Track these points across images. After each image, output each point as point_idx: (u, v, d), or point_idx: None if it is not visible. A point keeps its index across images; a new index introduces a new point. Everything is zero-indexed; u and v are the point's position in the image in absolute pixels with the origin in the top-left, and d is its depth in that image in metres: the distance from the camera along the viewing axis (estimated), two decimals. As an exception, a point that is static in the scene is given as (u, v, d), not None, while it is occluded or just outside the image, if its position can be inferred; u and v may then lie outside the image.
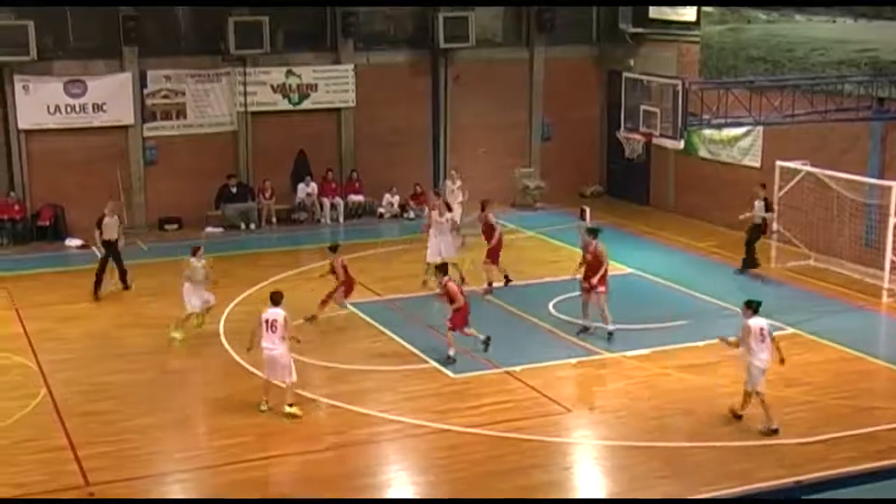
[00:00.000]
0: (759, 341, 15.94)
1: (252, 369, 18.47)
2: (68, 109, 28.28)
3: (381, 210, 30.57)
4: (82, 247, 22.05)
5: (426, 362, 19.11)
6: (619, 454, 15.76)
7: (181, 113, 29.39)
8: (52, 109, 28.10)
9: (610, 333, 19.93)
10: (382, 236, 28.54)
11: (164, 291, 22.84)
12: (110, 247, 23.20)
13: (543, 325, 21.12)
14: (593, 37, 32.85)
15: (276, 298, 17.06)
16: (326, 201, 30.06)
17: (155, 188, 29.26)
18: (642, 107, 21.51)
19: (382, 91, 30.60)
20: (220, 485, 14.98)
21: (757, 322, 16.04)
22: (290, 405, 16.90)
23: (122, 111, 28.70)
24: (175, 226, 29.22)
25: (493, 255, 23.11)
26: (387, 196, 30.57)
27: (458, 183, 27.70)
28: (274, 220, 29.74)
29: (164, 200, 29.17)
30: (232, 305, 21.94)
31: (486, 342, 19.32)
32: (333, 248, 21.44)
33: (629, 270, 24.83)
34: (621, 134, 22.66)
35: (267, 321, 16.75)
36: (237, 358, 19.03)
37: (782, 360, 16.29)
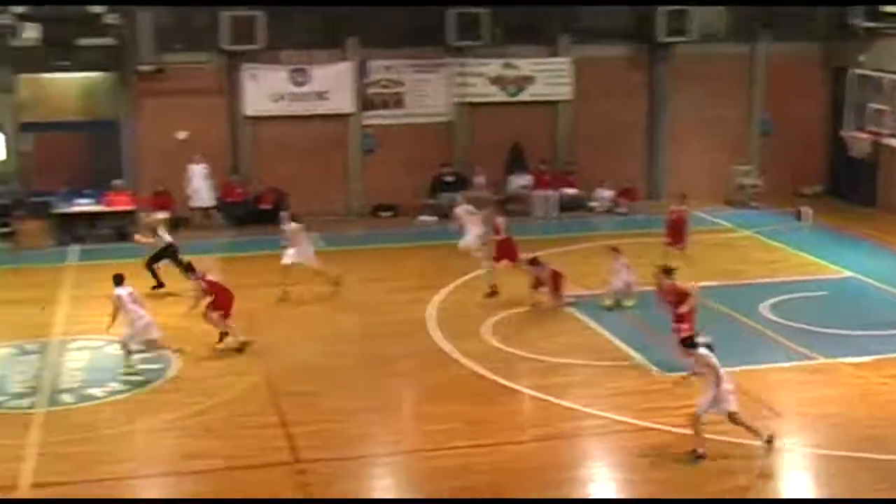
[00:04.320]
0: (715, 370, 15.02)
1: (458, 357, 18.83)
2: (292, 97, 29.20)
3: (594, 204, 30.35)
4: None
5: (632, 358, 18.95)
6: (828, 463, 15.19)
7: (399, 102, 29.93)
8: (276, 97, 29.08)
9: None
10: (597, 230, 28.24)
11: (378, 277, 23.33)
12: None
13: (755, 327, 20.57)
14: (820, 32, 31.71)
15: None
16: (540, 194, 30.05)
17: (371, 175, 29.89)
18: (871, 105, 20.67)
19: (599, 84, 30.38)
20: (422, 469, 15.19)
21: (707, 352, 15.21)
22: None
23: (342, 100, 29.45)
24: (389, 213, 29.81)
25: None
26: (599, 190, 30.35)
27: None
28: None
29: (380, 187, 29.76)
30: (444, 294, 22.17)
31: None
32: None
33: (848, 274, 23.92)
34: (846, 133, 21.83)
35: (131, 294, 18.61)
36: (441, 345, 19.31)
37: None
